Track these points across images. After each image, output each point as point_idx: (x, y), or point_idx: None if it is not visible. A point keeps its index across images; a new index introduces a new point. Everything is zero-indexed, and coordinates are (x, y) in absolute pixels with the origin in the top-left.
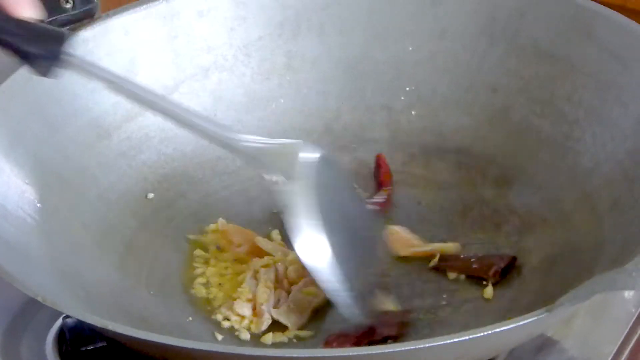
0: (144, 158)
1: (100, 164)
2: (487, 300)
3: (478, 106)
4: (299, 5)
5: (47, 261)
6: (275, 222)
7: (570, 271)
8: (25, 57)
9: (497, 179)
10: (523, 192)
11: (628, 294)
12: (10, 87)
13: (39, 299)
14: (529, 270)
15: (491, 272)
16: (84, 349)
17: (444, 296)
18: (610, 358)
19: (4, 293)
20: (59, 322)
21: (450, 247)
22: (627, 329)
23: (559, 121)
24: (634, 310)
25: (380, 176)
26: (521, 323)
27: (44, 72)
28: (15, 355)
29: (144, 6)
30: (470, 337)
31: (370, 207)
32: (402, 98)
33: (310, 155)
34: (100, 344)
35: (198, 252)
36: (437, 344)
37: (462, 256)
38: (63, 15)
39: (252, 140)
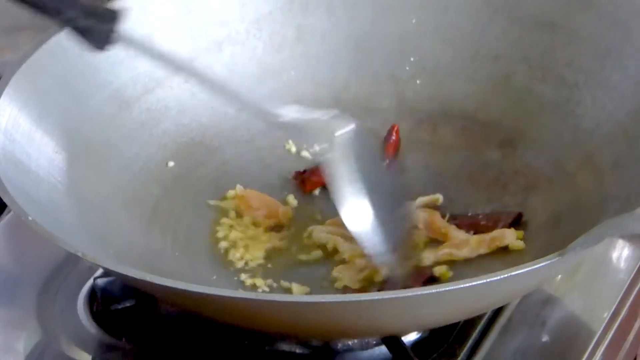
0: (163, 128)
1: (123, 135)
2: (497, 255)
3: (481, 74)
4: None
5: (78, 225)
6: (290, 188)
7: (575, 225)
8: (85, 33)
9: (501, 142)
10: (527, 154)
11: (618, 261)
12: (36, 62)
13: (80, 254)
14: (536, 226)
15: (498, 227)
16: (113, 307)
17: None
18: (613, 307)
19: (36, 257)
20: (90, 283)
21: (432, 198)
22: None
23: (560, 86)
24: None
25: (387, 145)
26: (536, 267)
27: (100, 46)
28: (49, 315)
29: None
30: (488, 280)
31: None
32: (407, 68)
33: (345, 125)
34: (128, 303)
35: (222, 217)
36: (455, 287)
37: (469, 214)
38: None
39: (288, 113)
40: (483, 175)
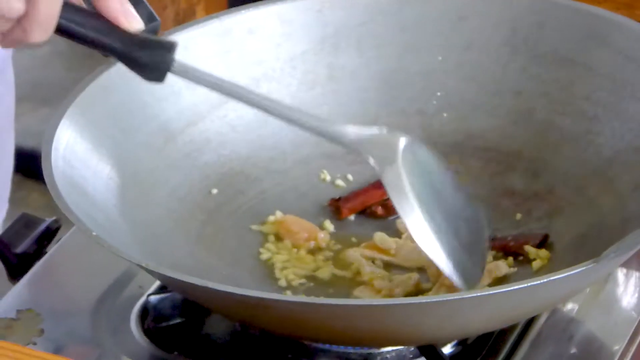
0: (205, 159)
1: (168, 164)
2: (529, 273)
3: (504, 109)
4: (338, 23)
5: (132, 245)
6: (325, 214)
7: (600, 246)
8: (138, 66)
9: (525, 171)
10: (550, 181)
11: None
12: (89, 96)
13: (143, 264)
14: (561, 247)
15: (527, 247)
16: (164, 324)
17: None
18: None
19: (90, 278)
20: (141, 301)
21: None
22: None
23: (579, 118)
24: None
25: None
26: (573, 272)
27: (155, 78)
28: (103, 330)
29: (200, 25)
30: (529, 284)
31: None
32: (434, 102)
33: (404, 141)
34: (179, 320)
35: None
36: (497, 291)
37: (499, 236)
38: None
39: (351, 130)
40: (509, 202)
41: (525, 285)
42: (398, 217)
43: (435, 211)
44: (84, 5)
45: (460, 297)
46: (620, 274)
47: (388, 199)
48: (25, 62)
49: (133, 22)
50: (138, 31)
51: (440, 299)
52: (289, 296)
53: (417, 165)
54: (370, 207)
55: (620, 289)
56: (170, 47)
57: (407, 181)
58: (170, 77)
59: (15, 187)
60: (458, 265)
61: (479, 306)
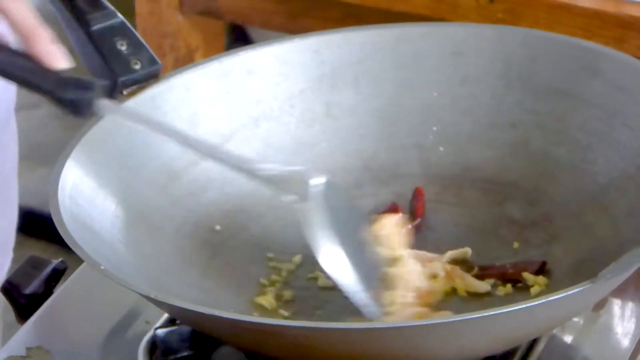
0: (209, 196)
1: (173, 202)
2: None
3: (499, 141)
4: (335, 62)
5: (140, 279)
6: None
7: (597, 270)
8: (62, 103)
9: (522, 201)
10: (547, 210)
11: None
12: (93, 137)
13: (152, 295)
14: (560, 273)
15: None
16: (172, 357)
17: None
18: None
19: (99, 313)
20: (149, 335)
21: (461, 251)
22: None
23: (574, 148)
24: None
25: (415, 207)
26: (571, 292)
27: (82, 115)
28: None
29: (200, 66)
30: (528, 305)
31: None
32: (431, 137)
33: (317, 180)
34: (186, 353)
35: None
36: (495, 313)
37: (497, 264)
38: (132, 75)
39: (267, 168)
40: (507, 231)
41: (525, 305)
42: None
43: (343, 245)
44: (12, 45)
45: (463, 318)
46: (615, 304)
47: None
48: (22, 123)
49: (58, 62)
50: (64, 70)
51: (444, 321)
52: (293, 321)
53: (328, 202)
54: None
55: (615, 318)
56: (91, 86)
57: (319, 216)
58: (170, 119)
59: (17, 245)
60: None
61: (481, 327)
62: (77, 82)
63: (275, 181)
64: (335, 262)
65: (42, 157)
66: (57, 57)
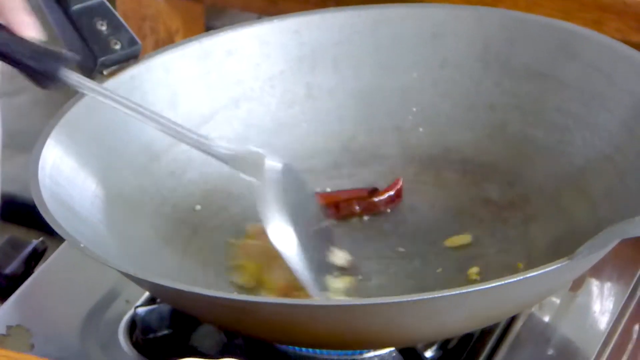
0: (189, 177)
1: (153, 182)
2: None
3: (478, 122)
4: (314, 43)
5: (119, 258)
6: None
7: (575, 248)
8: (28, 72)
9: (500, 181)
10: (525, 191)
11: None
12: (73, 117)
13: (132, 272)
14: (537, 253)
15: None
16: (152, 336)
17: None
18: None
19: (79, 292)
20: (129, 314)
21: (462, 238)
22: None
23: (551, 130)
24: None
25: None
26: (547, 270)
27: (44, 85)
28: (92, 342)
29: (180, 47)
30: (504, 282)
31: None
32: (410, 118)
33: (274, 162)
34: (166, 332)
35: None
36: (471, 290)
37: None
38: (112, 55)
39: (224, 146)
40: (486, 212)
41: (503, 282)
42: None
43: (293, 223)
44: None
45: (439, 295)
46: (593, 284)
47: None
48: (2, 111)
49: (29, 30)
50: (35, 40)
51: (420, 298)
52: (271, 298)
53: (282, 184)
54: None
55: (593, 298)
56: (59, 56)
57: (272, 195)
58: (150, 99)
59: None
60: (317, 276)
61: (459, 304)
62: (46, 52)
63: (234, 160)
64: (284, 239)
65: (22, 145)
66: (28, 25)
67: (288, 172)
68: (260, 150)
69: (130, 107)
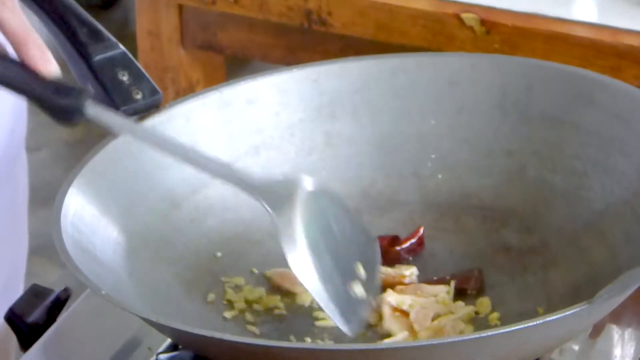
0: (210, 224)
1: (174, 229)
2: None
3: (496, 168)
4: (333, 92)
5: (141, 306)
6: None
7: (595, 294)
8: (52, 109)
9: (519, 227)
10: (544, 237)
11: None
12: (96, 165)
13: (154, 319)
14: (557, 299)
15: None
16: None
17: None
18: None
19: (102, 339)
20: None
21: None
22: None
23: (569, 175)
24: None
25: (413, 237)
26: (567, 313)
27: (68, 121)
28: None
29: (201, 96)
30: (525, 325)
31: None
32: (429, 165)
33: (307, 188)
34: None
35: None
36: (490, 334)
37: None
38: (133, 104)
39: (256, 175)
40: (505, 257)
41: (523, 326)
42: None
43: (327, 256)
44: (6, 53)
45: (460, 339)
46: (612, 330)
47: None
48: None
49: (50, 69)
50: (55, 78)
51: (441, 342)
52: (296, 343)
53: (314, 209)
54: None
55: (613, 344)
56: (80, 92)
57: (299, 224)
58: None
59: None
60: (344, 309)
61: (479, 349)
62: (67, 89)
63: (260, 190)
64: (308, 275)
65: (43, 199)
66: (48, 63)
67: (323, 196)
68: (291, 176)
69: (159, 143)
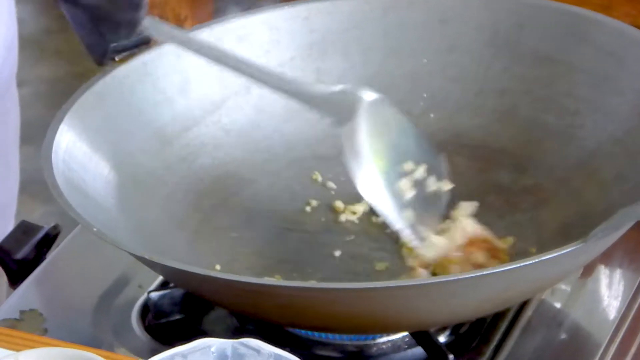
0: (200, 162)
1: (165, 167)
2: None
3: (488, 108)
4: (324, 30)
5: (132, 242)
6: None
7: (586, 233)
8: (111, 23)
9: (510, 166)
10: (535, 176)
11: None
12: (85, 103)
13: (146, 256)
14: (548, 237)
15: None
16: (164, 320)
17: None
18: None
19: (92, 276)
20: (141, 300)
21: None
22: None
23: (561, 114)
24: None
25: None
26: (561, 252)
27: (125, 35)
28: (104, 326)
29: (191, 34)
30: (519, 265)
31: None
32: (421, 104)
33: (368, 98)
34: (178, 317)
35: None
36: (486, 273)
37: None
38: (123, 41)
39: (318, 89)
40: (496, 196)
41: (517, 265)
42: None
43: (392, 167)
44: None
45: (455, 278)
46: (603, 270)
47: None
48: None
49: None
50: None
51: (436, 281)
52: (286, 281)
53: (378, 121)
54: None
55: (603, 284)
56: (138, 4)
57: (363, 136)
58: (161, 85)
59: None
60: (410, 219)
61: (473, 288)
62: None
63: (322, 102)
64: (372, 188)
65: (27, 137)
66: None
67: (383, 107)
68: (353, 88)
69: (214, 55)
